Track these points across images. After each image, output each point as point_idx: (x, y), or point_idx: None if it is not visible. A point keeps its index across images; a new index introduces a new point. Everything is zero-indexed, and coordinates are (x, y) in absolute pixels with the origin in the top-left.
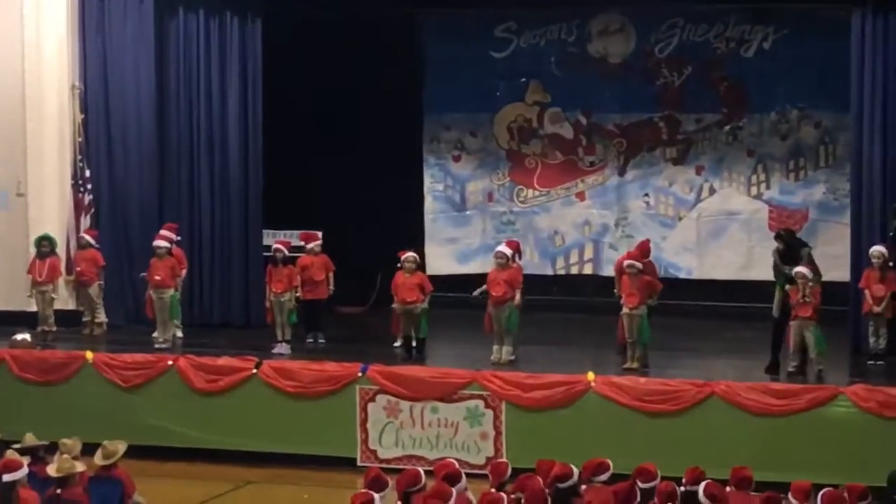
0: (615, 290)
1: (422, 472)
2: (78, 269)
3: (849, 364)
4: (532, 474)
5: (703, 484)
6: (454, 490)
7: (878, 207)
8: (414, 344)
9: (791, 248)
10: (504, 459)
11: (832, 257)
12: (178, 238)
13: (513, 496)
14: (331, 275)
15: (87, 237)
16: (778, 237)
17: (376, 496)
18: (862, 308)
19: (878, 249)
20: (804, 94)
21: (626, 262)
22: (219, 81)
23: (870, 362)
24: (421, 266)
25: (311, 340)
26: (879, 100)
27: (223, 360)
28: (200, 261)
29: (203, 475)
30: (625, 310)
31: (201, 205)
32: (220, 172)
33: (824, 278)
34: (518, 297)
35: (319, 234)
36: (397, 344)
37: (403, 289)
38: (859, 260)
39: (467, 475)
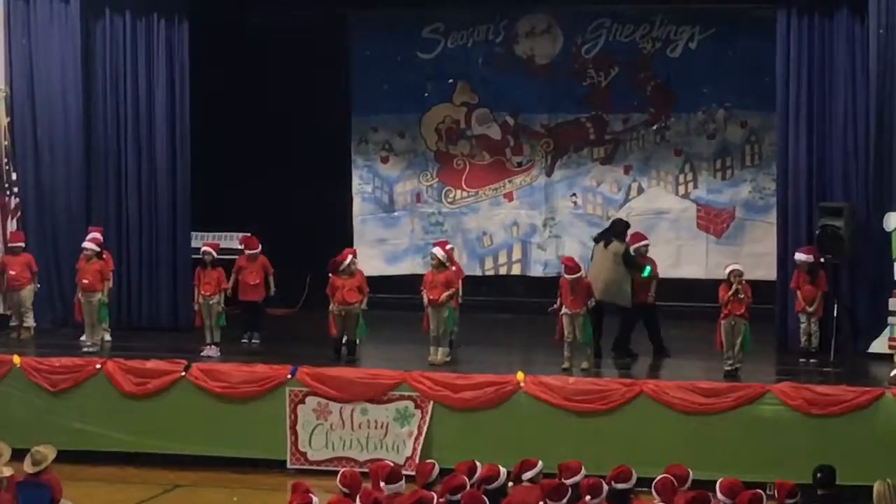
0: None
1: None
2: (12, 273)
3: (775, 362)
4: (457, 473)
5: (657, 478)
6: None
7: (804, 206)
8: (344, 342)
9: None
10: (417, 458)
11: (758, 256)
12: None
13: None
14: (270, 277)
15: (18, 242)
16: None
17: (314, 499)
18: (788, 306)
19: (800, 257)
20: (730, 93)
21: (572, 277)
22: (146, 83)
23: (801, 360)
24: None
25: (245, 341)
26: (804, 99)
27: (152, 363)
28: (129, 263)
29: (132, 479)
30: (565, 310)
31: (129, 207)
32: (148, 175)
33: (752, 276)
34: (446, 297)
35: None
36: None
37: (342, 290)
38: (785, 258)
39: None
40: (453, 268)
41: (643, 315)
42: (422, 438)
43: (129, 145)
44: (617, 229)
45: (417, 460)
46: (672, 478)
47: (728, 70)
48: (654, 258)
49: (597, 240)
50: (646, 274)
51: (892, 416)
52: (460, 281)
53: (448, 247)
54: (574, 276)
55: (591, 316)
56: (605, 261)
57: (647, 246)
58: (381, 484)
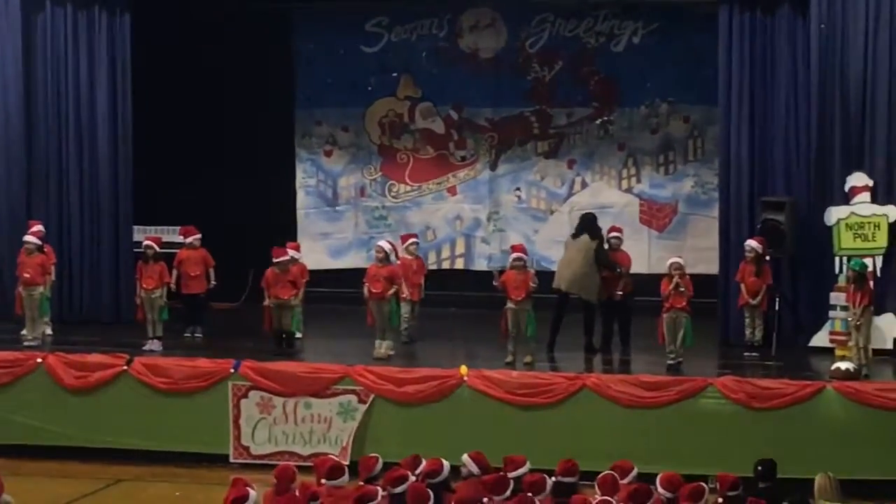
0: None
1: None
2: None
3: (718, 356)
4: (399, 466)
5: (600, 474)
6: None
7: (746, 201)
8: (284, 336)
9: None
10: (350, 449)
11: (701, 250)
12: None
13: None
14: (211, 270)
15: None
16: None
17: (252, 493)
18: (732, 300)
19: (750, 244)
20: (673, 88)
21: (513, 255)
22: (87, 77)
23: (746, 354)
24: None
25: (187, 335)
26: (746, 94)
27: (93, 357)
28: (70, 257)
29: (73, 473)
30: (509, 304)
31: (70, 201)
32: (90, 168)
33: (694, 271)
34: (391, 294)
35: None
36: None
37: (276, 285)
38: (727, 253)
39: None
40: (398, 262)
41: (612, 310)
42: (355, 427)
43: (70, 138)
44: (587, 224)
45: (350, 450)
46: (614, 474)
47: (671, 65)
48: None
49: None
50: (617, 271)
51: (832, 409)
52: (423, 276)
53: (412, 241)
54: (518, 256)
55: (554, 309)
56: (575, 253)
57: (618, 238)
58: (323, 480)
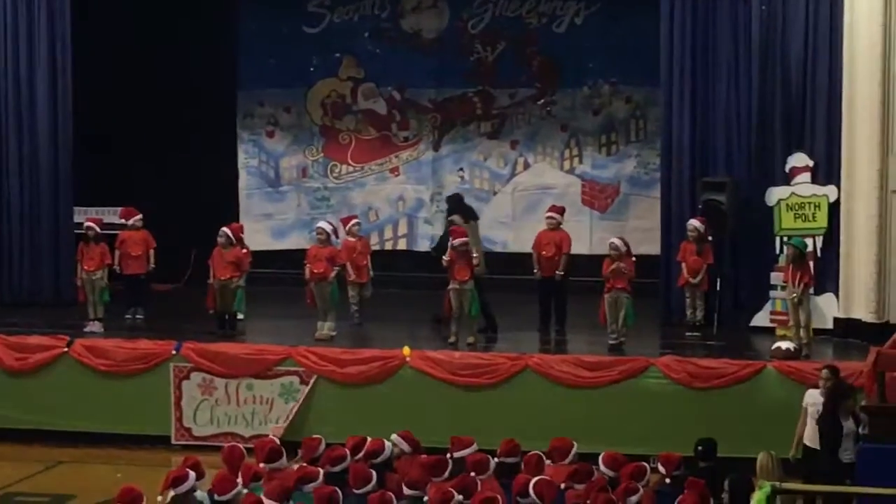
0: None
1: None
2: None
3: (660, 336)
4: (339, 446)
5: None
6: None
7: (688, 181)
8: (227, 317)
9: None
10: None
11: (643, 231)
12: None
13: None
14: (151, 251)
15: None
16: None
17: (191, 474)
18: (674, 280)
19: (693, 223)
20: (615, 69)
21: (456, 241)
22: (27, 56)
23: (688, 333)
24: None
25: (129, 316)
26: (688, 75)
27: (34, 339)
28: (10, 238)
29: (13, 456)
30: (453, 284)
31: (10, 182)
32: (30, 149)
33: (636, 251)
34: (333, 276)
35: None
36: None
37: (219, 266)
38: (669, 233)
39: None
40: (340, 243)
41: (551, 290)
42: (297, 407)
43: (10, 118)
44: (465, 205)
45: (284, 428)
46: (539, 453)
47: (613, 46)
48: (535, 231)
49: (466, 220)
50: None
51: (773, 388)
52: (368, 257)
53: (354, 221)
54: (461, 240)
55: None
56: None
57: (553, 218)
58: (261, 464)
